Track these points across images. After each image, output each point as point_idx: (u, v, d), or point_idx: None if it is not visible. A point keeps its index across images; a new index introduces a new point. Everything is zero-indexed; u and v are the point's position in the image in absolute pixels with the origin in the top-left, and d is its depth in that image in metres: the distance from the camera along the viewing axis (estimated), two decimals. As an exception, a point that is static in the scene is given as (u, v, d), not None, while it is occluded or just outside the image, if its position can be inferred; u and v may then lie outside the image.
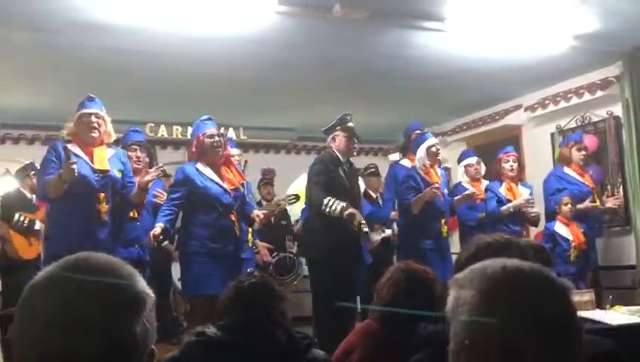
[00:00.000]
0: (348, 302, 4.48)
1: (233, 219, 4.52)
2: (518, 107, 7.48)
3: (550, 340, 1.04)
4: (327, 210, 4.61)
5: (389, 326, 2.57)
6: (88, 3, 4.47)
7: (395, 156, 7.92)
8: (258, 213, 4.76)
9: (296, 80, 6.38)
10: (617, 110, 6.32)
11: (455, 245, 6.15)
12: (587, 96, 6.55)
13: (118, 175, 4.28)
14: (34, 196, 5.91)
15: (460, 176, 6.41)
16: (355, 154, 5.20)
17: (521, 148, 7.36)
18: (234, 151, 5.35)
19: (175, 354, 2.20)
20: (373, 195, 6.55)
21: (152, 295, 1.06)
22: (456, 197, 5.74)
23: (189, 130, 5.60)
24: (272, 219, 6.64)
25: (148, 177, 4.28)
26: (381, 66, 6.02)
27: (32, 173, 5.94)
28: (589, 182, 6.03)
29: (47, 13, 4.58)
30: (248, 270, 4.56)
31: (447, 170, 6.03)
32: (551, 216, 5.93)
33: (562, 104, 6.84)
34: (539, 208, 6.08)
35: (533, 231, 6.72)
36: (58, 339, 0.94)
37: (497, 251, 1.65)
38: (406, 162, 5.57)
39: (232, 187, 4.56)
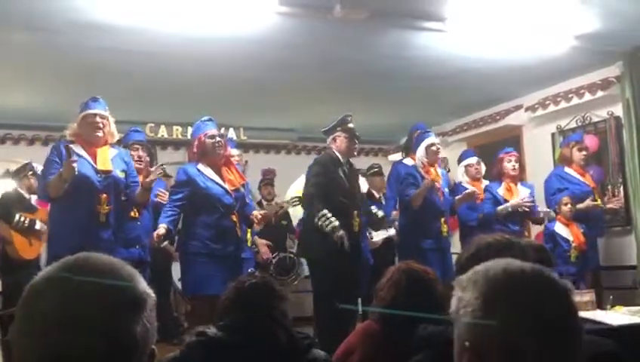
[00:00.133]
0: (348, 302, 4.49)
1: (234, 219, 4.53)
2: (518, 107, 7.47)
3: (551, 341, 1.04)
4: (319, 223, 4.68)
5: (390, 327, 2.56)
6: (89, 3, 4.47)
7: (394, 156, 7.93)
8: (257, 214, 4.78)
9: (296, 80, 6.38)
10: (618, 110, 6.32)
11: (456, 245, 6.15)
12: (588, 97, 6.55)
13: (121, 175, 4.28)
14: (32, 196, 5.92)
15: (460, 176, 6.42)
16: (355, 154, 5.22)
17: (521, 149, 7.36)
18: (234, 151, 5.36)
19: (175, 354, 2.20)
20: (377, 195, 6.56)
21: (153, 295, 1.06)
22: (457, 197, 5.75)
23: (190, 130, 5.61)
24: (273, 219, 6.64)
25: (152, 177, 4.30)
26: (381, 67, 6.02)
27: (30, 173, 5.94)
28: (589, 182, 6.03)
29: (48, 14, 4.58)
30: (249, 270, 4.56)
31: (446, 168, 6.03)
32: (540, 218, 5.95)
33: (563, 104, 6.83)
34: (539, 208, 6.09)
35: (534, 232, 6.72)
36: (58, 339, 0.94)
37: (498, 251, 1.65)
38: (408, 161, 5.59)
39: (233, 188, 4.57)
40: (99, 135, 4.18)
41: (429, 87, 6.66)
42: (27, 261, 5.68)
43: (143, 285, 1.05)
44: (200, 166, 4.55)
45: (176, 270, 5.64)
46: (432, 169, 5.43)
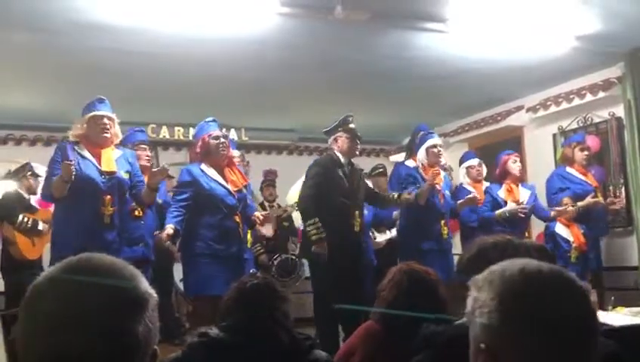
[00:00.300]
0: (349, 302, 4.48)
1: (237, 220, 4.54)
2: (519, 108, 7.47)
3: (568, 342, 1.03)
4: (307, 229, 4.74)
5: (391, 328, 2.56)
6: (90, 4, 4.47)
7: (396, 157, 7.92)
8: (258, 215, 4.80)
9: (297, 81, 6.38)
10: (619, 111, 6.31)
11: (457, 246, 6.15)
12: (589, 97, 6.54)
13: (126, 176, 4.29)
14: (31, 196, 5.93)
15: (461, 177, 6.42)
16: (357, 154, 5.22)
17: (522, 149, 7.35)
18: (235, 152, 5.36)
19: (177, 354, 2.20)
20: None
21: (155, 295, 1.06)
22: (458, 201, 5.74)
23: (191, 131, 5.62)
24: (275, 223, 6.66)
25: (159, 177, 4.30)
26: (383, 67, 6.01)
27: (29, 173, 5.95)
28: (592, 181, 6.03)
29: (49, 14, 4.58)
30: (251, 271, 4.56)
31: (447, 170, 6.02)
32: (552, 216, 5.93)
33: (564, 105, 6.82)
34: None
35: (534, 233, 6.71)
36: (61, 340, 0.95)
37: (503, 251, 1.65)
38: (410, 162, 5.59)
39: (236, 189, 4.57)
40: (106, 136, 4.20)
41: (429, 88, 6.66)
42: (30, 261, 5.69)
43: (145, 285, 1.05)
44: (203, 166, 4.56)
45: (177, 271, 5.64)
46: (435, 171, 5.41)
